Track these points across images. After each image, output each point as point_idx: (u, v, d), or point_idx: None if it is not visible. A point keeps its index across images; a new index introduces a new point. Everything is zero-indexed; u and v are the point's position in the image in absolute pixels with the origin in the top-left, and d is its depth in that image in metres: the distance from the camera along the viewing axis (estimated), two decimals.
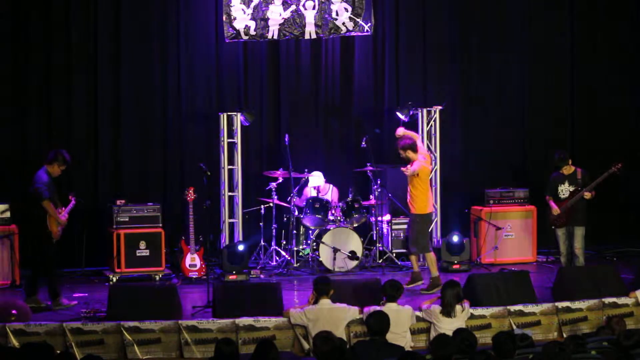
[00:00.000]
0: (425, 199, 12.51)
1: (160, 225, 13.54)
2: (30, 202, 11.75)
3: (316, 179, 14.31)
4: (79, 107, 14.29)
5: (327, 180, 14.45)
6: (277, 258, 13.98)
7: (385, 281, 10.67)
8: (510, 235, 14.44)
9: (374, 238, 14.32)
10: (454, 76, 15.48)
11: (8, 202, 13.19)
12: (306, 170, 14.22)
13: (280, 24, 14.49)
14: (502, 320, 10.95)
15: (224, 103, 14.66)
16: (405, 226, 14.61)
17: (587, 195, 12.76)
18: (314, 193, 14.13)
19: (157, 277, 13.35)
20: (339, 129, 15.27)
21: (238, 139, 14.02)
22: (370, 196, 14.41)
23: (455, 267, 13.87)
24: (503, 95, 15.67)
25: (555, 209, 12.86)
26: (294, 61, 15.05)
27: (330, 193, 14.33)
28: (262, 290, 11.47)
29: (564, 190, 12.93)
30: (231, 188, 14.10)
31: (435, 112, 14.48)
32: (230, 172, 14.10)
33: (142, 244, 13.39)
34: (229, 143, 14.04)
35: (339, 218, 13.90)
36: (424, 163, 12.49)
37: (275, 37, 14.53)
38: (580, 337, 8.55)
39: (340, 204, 14.05)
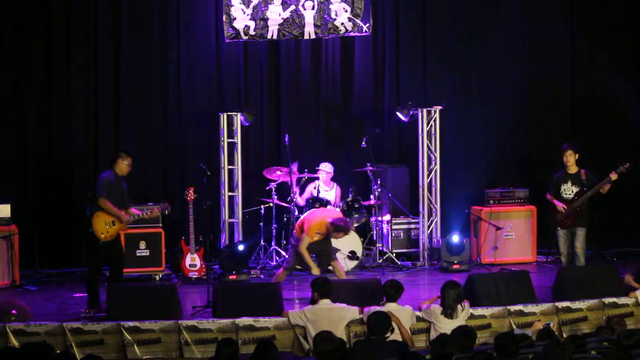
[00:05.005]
0: None
1: (160, 225, 13.55)
2: (86, 203, 11.75)
3: (325, 166, 14.24)
4: (79, 107, 14.30)
5: (333, 178, 14.40)
6: (277, 258, 13.98)
7: (385, 281, 10.67)
8: (510, 235, 14.44)
9: (374, 238, 14.33)
10: (454, 76, 15.49)
11: (9, 202, 13.20)
12: (306, 170, 14.22)
13: (279, 24, 14.49)
14: (502, 320, 10.95)
15: (224, 103, 14.67)
16: (405, 226, 14.64)
17: (614, 176, 12.68)
18: (321, 193, 14.13)
19: (157, 277, 13.36)
20: (339, 129, 15.28)
21: (238, 139, 14.02)
22: (370, 196, 14.41)
23: (455, 267, 13.86)
24: (503, 95, 15.66)
25: (561, 206, 12.82)
26: (294, 61, 15.06)
27: (334, 191, 14.31)
28: (262, 290, 11.46)
29: (567, 190, 12.91)
30: (231, 188, 14.10)
31: (435, 112, 14.48)
32: (230, 172, 14.10)
33: (142, 244, 13.41)
34: (229, 143, 14.04)
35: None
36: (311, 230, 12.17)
37: (275, 37, 14.54)
38: (580, 337, 8.55)
39: (341, 204, 14.05)
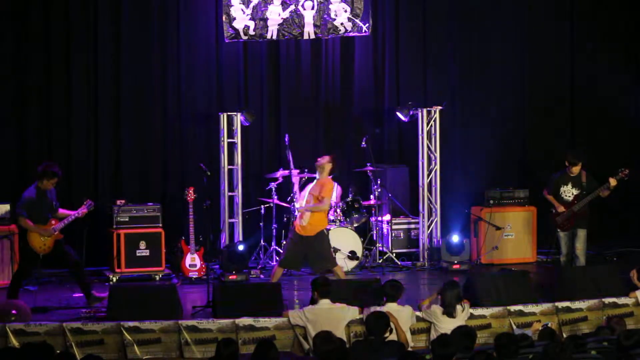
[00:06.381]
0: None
1: (160, 225, 13.56)
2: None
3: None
4: (79, 107, 14.30)
5: (334, 177, 14.38)
6: (277, 258, 13.96)
7: (385, 281, 10.67)
8: (510, 235, 14.44)
9: (374, 238, 14.33)
10: (454, 76, 15.49)
11: (8, 202, 13.20)
12: (306, 170, 14.22)
13: (279, 24, 14.49)
14: (502, 320, 10.95)
15: (224, 103, 14.67)
16: (405, 226, 14.64)
17: (613, 182, 12.68)
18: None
19: (157, 277, 13.36)
20: (339, 129, 15.28)
21: (238, 139, 14.02)
22: (370, 196, 14.41)
23: (455, 267, 13.87)
24: (503, 95, 15.68)
25: (559, 206, 12.83)
26: (294, 61, 15.06)
27: (335, 191, 14.29)
28: (262, 290, 11.47)
29: (567, 191, 12.91)
30: (231, 188, 14.10)
31: (435, 112, 14.48)
32: (230, 172, 14.10)
33: (142, 244, 13.41)
34: (229, 143, 14.05)
35: (339, 218, 13.89)
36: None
37: (275, 37, 14.54)
38: (580, 337, 8.56)
39: (341, 204, 14.05)
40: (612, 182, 12.71)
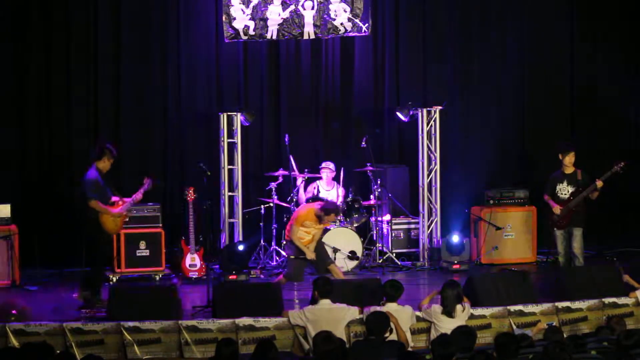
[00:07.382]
0: None
1: (160, 225, 13.56)
2: (83, 205, 11.72)
3: (328, 164, 14.23)
4: (79, 107, 14.30)
5: (334, 177, 14.37)
6: (277, 258, 13.99)
7: (385, 281, 10.67)
8: (510, 235, 14.44)
9: (374, 238, 14.33)
10: (454, 76, 15.49)
11: (9, 202, 13.20)
12: (306, 170, 14.23)
13: (279, 24, 14.49)
14: (502, 320, 10.95)
15: (224, 103, 14.67)
16: (405, 226, 14.64)
17: (600, 183, 12.66)
18: (321, 193, 14.12)
19: (157, 277, 13.37)
20: (339, 129, 15.28)
21: (238, 139, 14.03)
22: (370, 196, 14.41)
23: (455, 267, 13.86)
24: (503, 94, 15.68)
25: (556, 207, 12.84)
26: (294, 61, 15.06)
27: (335, 191, 14.29)
28: (262, 290, 11.46)
29: (563, 189, 12.91)
30: (231, 188, 14.10)
31: (435, 112, 14.48)
32: (230, 172, 14.10)
33: (142, 244, 13.41)
34: (229, 143, 14.05)
35: (339, 218, 13.89)
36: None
37: (275, 37, 14.54)
38: (580, 337, 8.56)
39: (341, 204, 14.04)
40: (599, 184, 12.70)
